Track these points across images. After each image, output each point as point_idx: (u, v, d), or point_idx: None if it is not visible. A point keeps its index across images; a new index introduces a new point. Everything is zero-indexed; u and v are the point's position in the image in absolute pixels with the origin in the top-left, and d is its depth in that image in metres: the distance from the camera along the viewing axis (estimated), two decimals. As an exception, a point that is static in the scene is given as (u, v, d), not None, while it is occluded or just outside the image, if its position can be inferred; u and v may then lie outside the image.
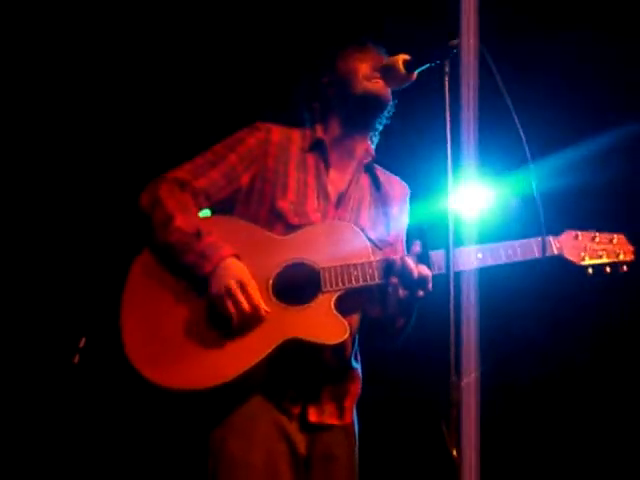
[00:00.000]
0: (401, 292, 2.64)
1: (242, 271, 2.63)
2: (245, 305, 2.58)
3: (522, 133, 2.42)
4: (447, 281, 2.27)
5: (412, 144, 4.96)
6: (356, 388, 2.89)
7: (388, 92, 2.94)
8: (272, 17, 4.93)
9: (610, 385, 5.36)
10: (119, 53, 5.01)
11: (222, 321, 2.62)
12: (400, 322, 2.82)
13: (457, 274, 2.51)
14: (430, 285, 2.64)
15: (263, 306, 2.61)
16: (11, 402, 4.96)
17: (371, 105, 2.97)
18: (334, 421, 2.78)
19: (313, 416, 2.72)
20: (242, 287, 2.59)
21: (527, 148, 2.45)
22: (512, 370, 5.43)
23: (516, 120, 2.41)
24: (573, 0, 4.72)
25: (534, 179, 2.49)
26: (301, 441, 2.70)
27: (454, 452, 2.08)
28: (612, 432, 5.32)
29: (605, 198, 4.84)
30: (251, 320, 2.59)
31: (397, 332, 2.86)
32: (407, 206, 3.13)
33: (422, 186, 3.89)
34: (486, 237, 2.81)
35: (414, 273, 2.63)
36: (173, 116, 5.25)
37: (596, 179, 4.84)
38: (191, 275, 2.66)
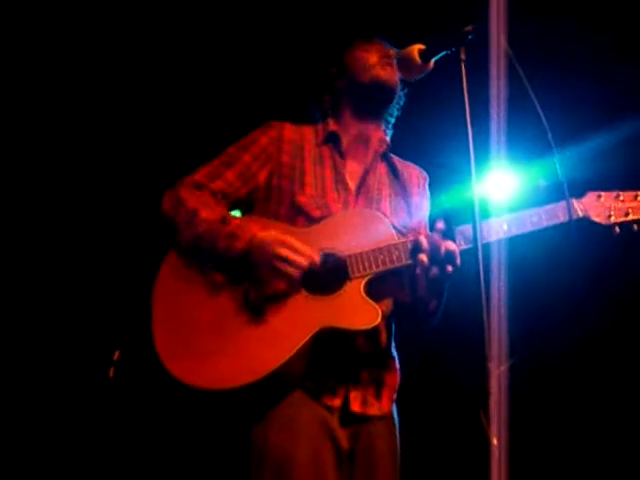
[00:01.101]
0: (431, 270, 2.61)
1: (277, 234, 2.64)
2: (303, 261, 2.59)
3: (545, 120, 2.41)
4: (475, 255, 2.28)
5: (438, 130, 4.94)
6: (394, 378, 2.87)
7: (396, 79, 2.94)
8: (279, 15, 4.90)
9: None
10: (132, 60, 5.05)
11: (263, 303, 2.63)
12: (432, 304, 2.79)
13: (486, 247, 2.52)
14: (458, 259, 2.61)
15: (317, 256, 2.62)
16: (46, 417, 5.01)
17: (380, 91, 2.96)
18: (374, 411, 2.76)
19: (355, 405, 2.70)
20: (288, 246, 2.60)
21: (550, 134, 2.44)
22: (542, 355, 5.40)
23: (539, 109, 2.40)
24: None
25: (559, 165, 2.48)
26: (343, 436, 2.69)
27: (494, 440, 2.09)
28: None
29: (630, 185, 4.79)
30: (299, 280, 2.60)
31: (430, 315, 2.83)
32: (427, 191, 3.12)
33: (449, 171, 3.90)
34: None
35: (441, 248, 2.60)
36: (182, 120, 5.29)
37: (620, 167, 4.78)
38: (224, 262, 2.67)
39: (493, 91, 2.42)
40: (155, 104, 5.26)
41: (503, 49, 2.39)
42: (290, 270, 2.60)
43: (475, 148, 2.35)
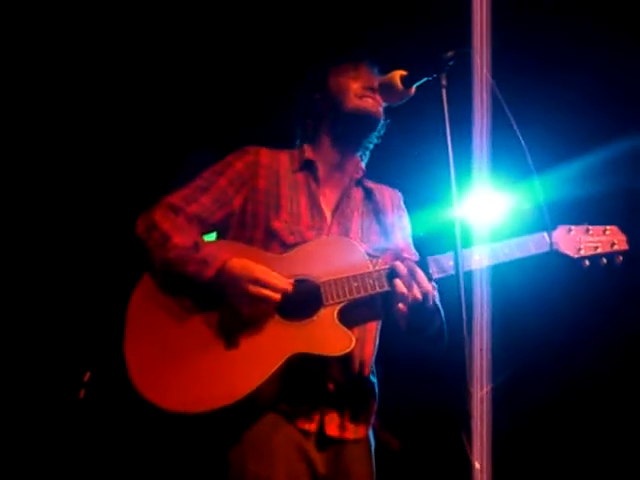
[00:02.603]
0: (410, 295, 2.61)
1: (248, 262, 2.65)
2: (279, 285, 2.60)
3: (524, 143, 2.44)
4: (457, 283, 2.29)
5: (419, 156, 4.97)
6: (371, 402, 2.87)
7: (379, 110, 2.96)
8: (264, 32, 4.93)
9: (623, 394, 5.34)
10: (113, 71, 5.04)
11: (238, 326, 2.63)
12: (430, 329, 2.78)
13: (467, 275, 2.56)
14: (425, 284, 2.62)
15: (287, 281, 2.63)
16: (15, 438, 4.94)
17: (362, 122, 2.99)
18: (350, 435, 2.75)
19: (331, 429, 2.70)
20: (260, 280, 2.60)
21: (530, 158, 2.47)
22: (524, 381, 5.41)
23: (518, 133, 2.43)
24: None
25: (540, 192, 2.51)
26: (319, 459, 2.68)
27: (476, 464, 2.09)
28: (623, 438, 5.29)
29: (612, 207, 4.83)
30: (275, 304, 2.61)
31: (431, 339, 2.82)
32: (403, 209, 3.13)
33: (430, 195, 3.91)
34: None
35: (418, 273, 2.63)
36: (164, 140, 5.28)
37: (604, 188, 4.83)
38: (194, 288, 2.67)
39: (476, 116, 2.45)
40: (140, 130, 5.26)
41: (485, 74, 2.42)
42: (261, 306, 2.61)
43: (457, 172, 2.37)
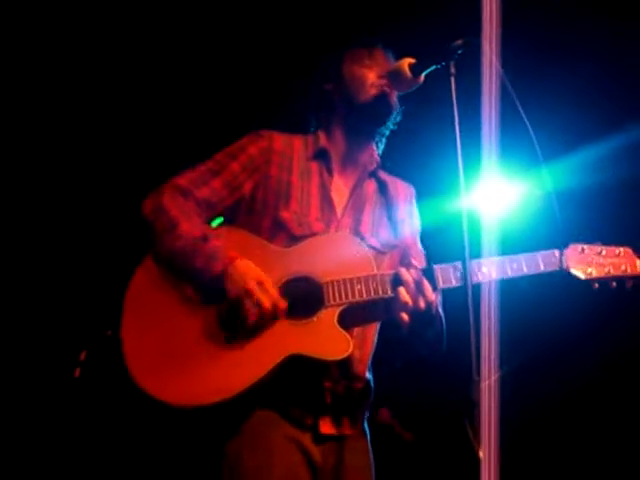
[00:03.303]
0: (414, 303, 2.58)
1: (256, 269, 2.60)
2: (266, 303, 2.54)
3: (532, 133, 2.43)
4: (465, 292, 2.27)
5: (428, 146, 4.96)
6: (367, 399, 2.85)
7: (395, 100, 2.91)
8: (278, 18, 4.92)
9: (627, 386, 5.34)
10: (123, 59, 5.04)
11: (234, 325, 2.60)
12: (429, 334, 2.75)
13: (475, 286, 2.51)
14: (429, 295, 2.58)
15: (282, 303, 2.59)
16: (12, 416, 4.95)
17: (377, 113, 2.93)
18: (346, 431, 2.75)
19: (325, 427, 2.68)
20: (260, 285, 2.56)
21: (539, 150, 2.46)
22: (531, 372, 5.41)
23: (526, 121, 2.42)
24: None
25: (550, 183, 2.50)
26: (316, 452, 2.67)
27: (480, 452, 2.08)
28: (627, 430, 5.30)
29: (621, 196, 4.82)
30: (269, 319, 2.57)
31: (430, 344, 2.80)
32: (414, 206, 3.09)
33: (439, 188, 3.90)
34: (508, 238, 2.79)
35: (422, 281, 2.59)
36: (177, 122, 5.25)
37: (616, 177, 4.82)
38: (198, 280, 2.64)
39: (484, 105, 2.44)
40: (150, 108, 5.25)
41: (494, 63, 2.41)
42: (253, 310, 2.55)
43: (465, 161, 2.36)
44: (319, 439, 2.68)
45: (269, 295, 2.56)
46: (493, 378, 2.23)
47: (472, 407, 2.12)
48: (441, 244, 2.74)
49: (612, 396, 5.38)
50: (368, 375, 2.85)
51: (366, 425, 2.87)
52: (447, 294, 2.74)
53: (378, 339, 2.89)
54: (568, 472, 5.37)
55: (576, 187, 4.46)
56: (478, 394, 2.13)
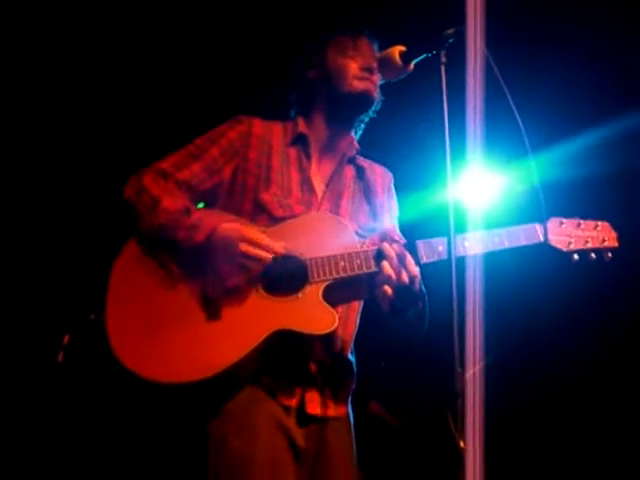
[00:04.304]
0: (397, 277, 2.61)
1: (239, 227, 2.63)
2: (265, 256, 2.58)
3: (521, 124, 2.43)
4: (449, 267, 2.29)
5: (413, 135, 4.96)
6: (351, 381, 2.88)
7: (376, 92, 2.94)
8: (262, 4, 4.91)
9: (613, 377, 5.37)
10: (108, 48, 5.03)
11: (222, 298, 2.62)
12: (411, 312, 2.76)
13: (460, 260, 2.54)
14: (412, 268, 2.62)
15: (279, 244, 2.62)
16: None
17: (358, 104, 2.97)
18: (330, 412, 2.76)
19: (310, 407, 2.71)
20: (251, 240, 2.59)
21: (527, 141, 2.46)
22: (517, 362, 5.43)
23: (516, 113, 2.42)
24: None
25: (535, 173, 2.51)
26: (300, 435, 2.69)
27: (461, 443, 2.09)
28: (614, 422, 5.33)
29: (608, 189, 4.84)
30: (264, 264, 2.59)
31: (411, 324, 2.81)
32: (392, 192, 3.12)
33: (425, 177, 3.90)
34: (490, 226, 2.81)
35: (406, 256, 2.62)
36: (157, 107, 5.24)
37: (600, 169, 4.83)
38: (182, 252, 2.65)
39: (470, 94, 2.43)
40: (130, 94, 5.23)
41: (481, 51, 2.40)
42: (252, 265, 2.59)
43: (452, 152, 2.36)
44: (303, 421, 2.70)
45: (268, 240, 2.60)
46: (478, 367, 2.23)
47: (454, 399, 2.12)
48: (427, 235, 2.73)
49: (600, 385, 5.40)
50: (351, 357, 2.88)
51: (350, 409, 2.89)
52: (431, 276, 2.74)
53: (361, 325, 2.90)
54: (554, 464, 5.40)
55: (562, 179, 4.46)
56: (461, 386, 2.14)
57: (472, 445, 2.10)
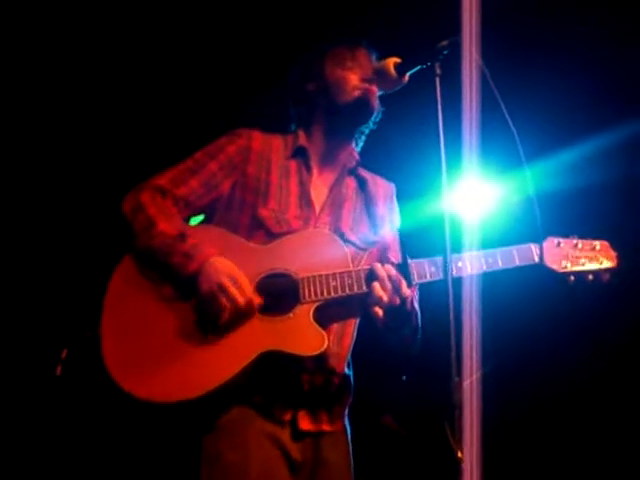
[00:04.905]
0: (388, 298, 2.60)
1: (231, 267, 2.62)
2: (239, 299, 2.57)
3: (516, 135, 2.43)
4: (445, 286, 2.26)
5: (409, 146, 4.97)
6: (347, 396, 2.87)
7: (376, 102, 2.93)
8: (260, 14, 4.92)
9: (610, 387, 5.37)
10: (107, 51, 5.02)
11: (210, 323, 2.61)
12: (405, 330, 2.76)
13: (456, 280, 2.51)
14: (404, 290, 2.60)
15: (256, 300, 2.61)
16: None
17: (358, 116, 2.96)
18: (326, 427, 2.76)
19: (304, 423, 2.70)
20: (234, 281, 2.59)
21: (522, 152, 2.46)
22: (514, 371, 5.43)
23: (511, 123, 2.42)
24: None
25: (531, 183, 2.50)
26: (295, 449, 2.68)
27: (459, 453, 2.08)
28: (613, 433, 5.32)
29: (606, 198, 4.83)
30: (243, 315, 2.59)
31: (405, 341, 2.81)
32: (394, 204, 3.11)
33: (420, 188, 3.90)
34: (487, 239, 2.80)
35: (396, 278, 2.61)
36: (158, 119, 5.23)
37: (596, 179, 4.83)
38: (175, 278, 2.65)
39: (465, 104, 2.44)
40: (128, 108, 5.21)
41: (475, 62, 2.41)
42: (226, 306, 2.58)
43: (447, 163, 2.36)
44: (297, 436, 2.69)
45: (242, 291, 2.59)
46: (475, 377, 2.23)
47: (452, 409, 2.12)
48: (422, 245, 2.73)
49: (598, 395, 5.39)
50: (347, 371, 2.87)
51: (347, 422, 2.88)
52: (428, 291, 2.74)
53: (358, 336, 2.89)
54: (552, 473, 5.39)
55: (557, 189, 4.47)
56: (459, 396, 2.13)
57: (470, 455, 2.10)
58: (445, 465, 2.10)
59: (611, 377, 5.37)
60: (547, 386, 5.48)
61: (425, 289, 2.77)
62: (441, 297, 2.27)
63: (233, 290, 2.57)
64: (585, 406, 5.43)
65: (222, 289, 2.57)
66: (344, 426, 2.85)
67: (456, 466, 2.08)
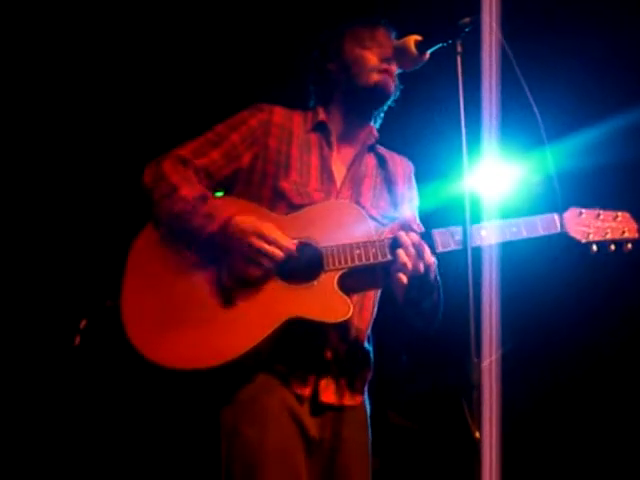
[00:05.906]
0: (413, 267, 2.59)
1: (254, 222, 2.63)
2: (276, 251, 2.58)
3: (538, 114, 2.41)
4: (465, 258, 2.28)
5: (429, 125, 4.95)
6: (367, 370, 2.88)
7: (395, 83, 2.94)
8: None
9: (632, 366, 5.35)
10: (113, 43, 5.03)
11: (240, 284, 2.62)
12: (425, 304, 2.75)
13: (476, 250, 2.53)
14: (428, 257, 2.60)
15: (292, 241, 2.62)
16: (12, 386, 4.98)
17: (377, 97, 2.96)
18: (346, 401, 2.77)
19: (324, 396, 2.70)
20: (265, 236, 2.59)
21: (543, 129, 2.44)
22: (533, 351, 5.42)
23: (532, 102, 2.40)
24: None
25: (551, 159, 2.49)
26: (312, 424, 2.69)
27: (476, 434, 2.08)
28: (632, 413, 5.31)
29: (625, 177, 4.80)
30: (277, 263, 2.60)
31: (425, 315, 2.81)
32: (413, 182, 3.12)
33: (440, 167, 3.88)
34: (506, 217, 2.79)
35: (423, 246, 2.61)
36: (177, 93, 5.25)
37: (616, 159, 4.80)
38: (197, 240, 2.65)
39: (486, 83, 2.42)
40: (147, 81, 5.23)
41: (497, 40, 2.39)
42: (264, 262, 2.60)
43: (467, 142, 2.35)
44: (317, 410, 2.70)
45: (279, 243, 2.59)
46: (494, 356, 2.22)
47: (471, 390, 2.12)
48: (442, 225, 2.72)
49: (618, 375, 5.37)
50: (367, 346, 2.88)
51: (367, 399, 2.88)
52: (447, 265, 2.74)
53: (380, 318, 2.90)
54: (571, 454, 5.38)
55: (579, 168, 4.44)
56: (478, 376, 2.13)
57: (488, 435, 2.10)
58: (462, 445, 2.11)
59: (633, 356, 5.34)
60: (566, 365, 5.47)
61: (443, 268, 2.75)
62: (458, 279, 2.27)
63: (269, 248, 2.58)
64: (607, 386, 5.41)
65: (257, 250, 2.58)
66: (363, 402, 2.86)
67: (473, 446, 2.08)
